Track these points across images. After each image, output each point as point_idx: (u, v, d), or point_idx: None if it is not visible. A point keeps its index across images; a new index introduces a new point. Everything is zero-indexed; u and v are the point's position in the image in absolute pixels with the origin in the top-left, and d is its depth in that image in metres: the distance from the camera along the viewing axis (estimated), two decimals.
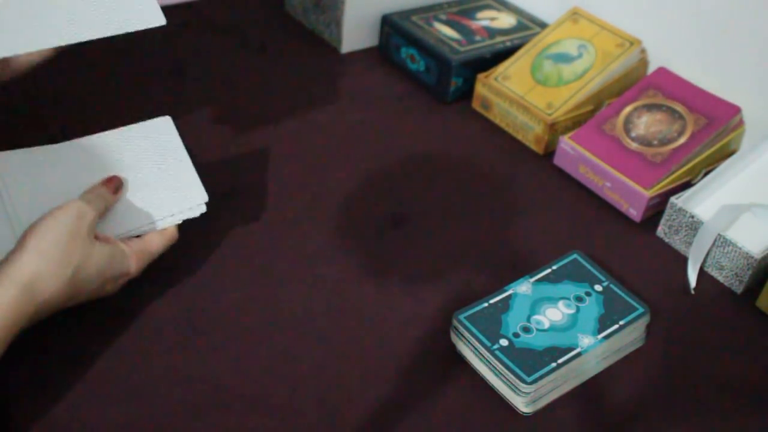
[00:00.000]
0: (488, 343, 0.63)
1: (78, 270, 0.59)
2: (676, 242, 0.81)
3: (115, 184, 0.67)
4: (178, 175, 0.71)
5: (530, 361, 0.62)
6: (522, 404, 0.62)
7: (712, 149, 0.86)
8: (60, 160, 0.70)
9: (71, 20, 0.66)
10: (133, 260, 0.65)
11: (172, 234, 0.69)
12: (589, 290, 0.69)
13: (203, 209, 0.71)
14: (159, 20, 0.69)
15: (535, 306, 0.67)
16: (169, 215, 0.69)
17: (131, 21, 0.68)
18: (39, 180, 0.68)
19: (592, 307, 0.67)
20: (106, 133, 0.73)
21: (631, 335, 0.67)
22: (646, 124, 0.88)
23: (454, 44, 1.02)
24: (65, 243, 0.59)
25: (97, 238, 0.63)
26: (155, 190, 0.70)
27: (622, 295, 0.69)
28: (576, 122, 0.94)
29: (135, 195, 0.70)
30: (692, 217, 0.78)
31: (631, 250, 0.81)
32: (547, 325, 0.65)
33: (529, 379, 0.60)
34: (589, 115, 0.95)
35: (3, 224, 0.67)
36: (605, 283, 0.70)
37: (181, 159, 0.73)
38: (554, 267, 0.71)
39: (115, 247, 0.64)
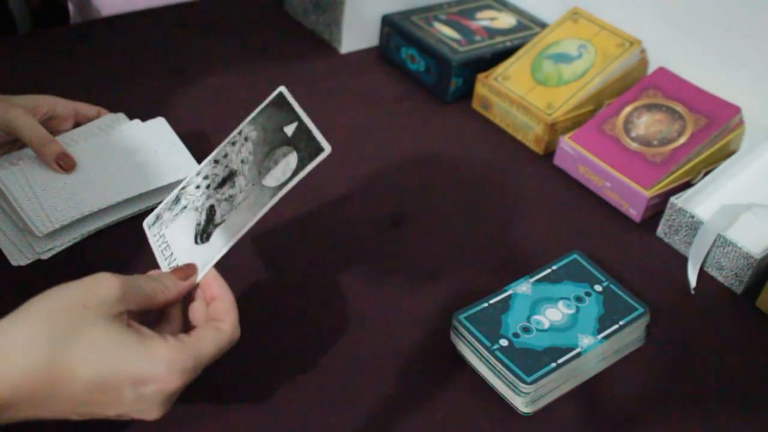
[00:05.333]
0: (488, 343, 0.63)
1: (62, 349, 0.43)
2: (676, 242, 0.81)
3: (186, 273, 0.54)
4: (173, 154, 0.80)
5: (530, 362, 0.62)
6: (522, 404, 0.62)
7: (712, 149, 0.86)
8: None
9: (126, 180, 0.76)
10: (162, 361, 0.45)
11: (232, 332, 0.52)
12: (589, 290, 0.69)
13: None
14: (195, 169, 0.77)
15: (535, 306, 0.67)
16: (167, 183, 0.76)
17: (173, 173, 0.77)
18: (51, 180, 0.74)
19: (592, 307, 0.67)
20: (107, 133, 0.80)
21: (631, 335, 0.67)
22: (646, 124, 0.88)
23: (454, 44, 1.02)
24: (53, 309, 0.44)
25: (129, 325, 0.47)
26: (155, 165, 0.78)
27: (622, 295, 0.69)
28: (576, 122, 0.94)
29: (136, 170, 0.77)
30: (692, 217, 0.78)
31: (631, 250, 0.81)
32: (547, 325, 0.65)
33: (529, 379, 0.60)
34: (589, 115, 0.95)
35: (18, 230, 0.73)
36: (605, 283, 0.70)
37: (175, 144, 0.81)
38: (554, 267, 0.71)
39: (141, 336, 0.46)
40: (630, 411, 0.64)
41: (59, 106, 0.77)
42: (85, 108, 0.81)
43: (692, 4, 0.92)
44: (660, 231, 0.82)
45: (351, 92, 1.02)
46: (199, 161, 0.80)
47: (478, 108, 1.01)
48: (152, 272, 0.55)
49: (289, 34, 1.13)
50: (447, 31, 1.05)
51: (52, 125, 0.77)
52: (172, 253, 0.59)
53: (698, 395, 0.65)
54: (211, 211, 0.59)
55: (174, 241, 0.60)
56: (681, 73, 0.92)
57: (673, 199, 0.80)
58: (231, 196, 0.58)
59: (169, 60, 1.03)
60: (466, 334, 0.64)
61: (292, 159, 0.56)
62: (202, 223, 0.58)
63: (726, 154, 0.89)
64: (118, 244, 0.74)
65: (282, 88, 0.59)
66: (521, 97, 0.95)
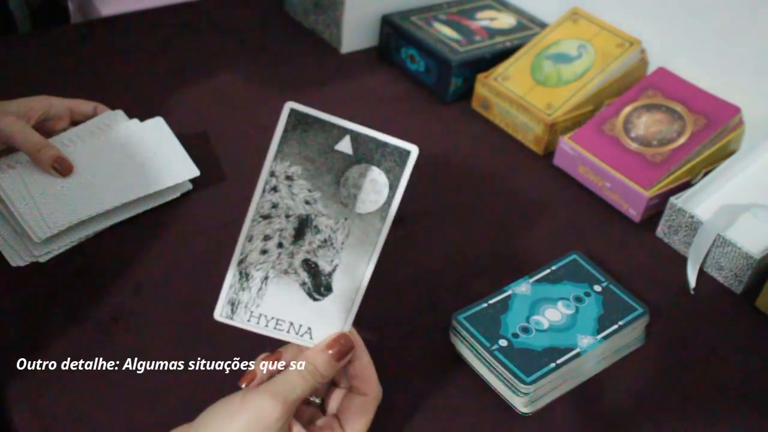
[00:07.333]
0: (487, 344, 0.63)
1: None
2: (676, 242, 0.81)
3: (341, 351, 0.54)
4: (172, 157, 0.80)
5: (529, 362, 0.62)
6: (521, 404, 0.62)
7: (712, 149, 0.86)
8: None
9: (125, 185, 0.76)
10: None
11: (376, 396, 0.55)
12: (589, 290, 0.69)
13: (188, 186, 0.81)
14: (194, 172, 0.80)
15: (534, 306, 0.67)
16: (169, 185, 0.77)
17: (171, 176, 0.78)
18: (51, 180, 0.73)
19: (592, 308, 0.67)
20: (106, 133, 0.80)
21: (630, 335, 0.67)
22: (645, 124, 0.88)
23: (454, 44, 1.02)
24: None
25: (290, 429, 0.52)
26: (153, 168, 0.78)
27: (622, 295, 0.69)
28: (576, 122, 0.94)
29: (134, 173, 0.77)
30: (692, 217, 0.78)
31: (631, 250, 0.81)
32: (546, 325, 0.65)
33: (528, 380, 0.60)
34: (588, 115, 0.95)
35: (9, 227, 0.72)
36: (604, 284, 0.70)
37: (173, 145, 0.81)
38: (553, 267, 0.71)
39: None
40: (629, 411, 0.64)
41: (53, 106, 0.76)
42: (81, 105, 0.80)
43: (692, 4, 0.92)
44: (660, 231, 0.82)
45: (351, 92, 1.02)
46: (198, 163, 0.80)
47: (477, 108, 1.01)
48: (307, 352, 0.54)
49: (289, 34, 1.13)
50: (447, 31, 1.05)
51: (48, 126, 0.77)
52: (301, 326, 0.53)
53: (698, 395, 0.65)
54: (308, 265, 0.52)
55: (284, 313, 0.53)
56: (681, 73, 0.92)
57: (672, 199, 0.80)
58: (324, 241, 0.52)
59: (169, 60, 1.03)
60: (465, 334, 0.64)
61: (377, 175, 0.51)
62: (308, 280, 0.52)
63: (726, 154, 0.89)
64: (118, 244, 0.74)
65: (290, 104, 0.51)
66: (521, 97, 0.95)
